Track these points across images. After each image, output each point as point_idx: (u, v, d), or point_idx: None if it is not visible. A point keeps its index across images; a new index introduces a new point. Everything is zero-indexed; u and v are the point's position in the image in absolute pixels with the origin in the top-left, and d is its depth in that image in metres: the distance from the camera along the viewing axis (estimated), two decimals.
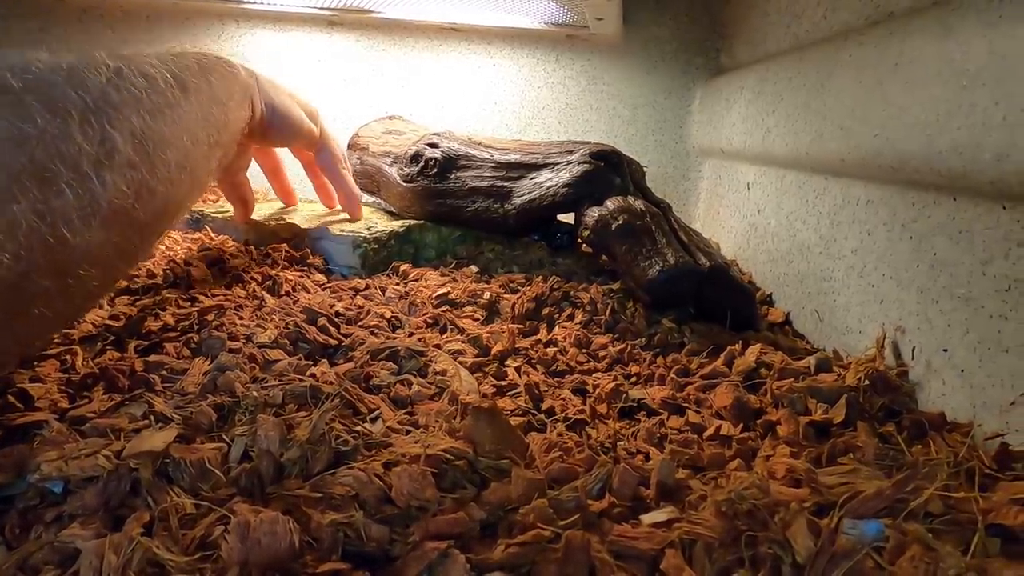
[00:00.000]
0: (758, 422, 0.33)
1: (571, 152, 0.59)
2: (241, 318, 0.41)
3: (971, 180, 0.31)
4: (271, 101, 0.43)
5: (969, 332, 0.32)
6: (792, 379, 0.36)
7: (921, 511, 0.21)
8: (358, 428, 0.28)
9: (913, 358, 0.36)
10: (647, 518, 0.23)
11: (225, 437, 0.27)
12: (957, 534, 0.21)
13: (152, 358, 0.34)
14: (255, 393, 0.30)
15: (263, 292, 0.46)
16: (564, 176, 0.57)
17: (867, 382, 0.34)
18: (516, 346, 0.42)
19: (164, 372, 0.33)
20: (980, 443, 0.29)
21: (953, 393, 0.33)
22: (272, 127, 0.43)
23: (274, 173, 0.62)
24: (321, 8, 0.80)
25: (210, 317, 0.40)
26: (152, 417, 0.28)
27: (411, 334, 0.43)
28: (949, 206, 0.34)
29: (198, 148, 0.30)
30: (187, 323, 0.39)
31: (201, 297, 0.44)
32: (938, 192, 0.35)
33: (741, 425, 0.33)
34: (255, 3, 0.80)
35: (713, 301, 0.47)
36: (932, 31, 0.34)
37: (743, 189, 0.69)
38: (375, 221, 0.62)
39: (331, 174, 0.55)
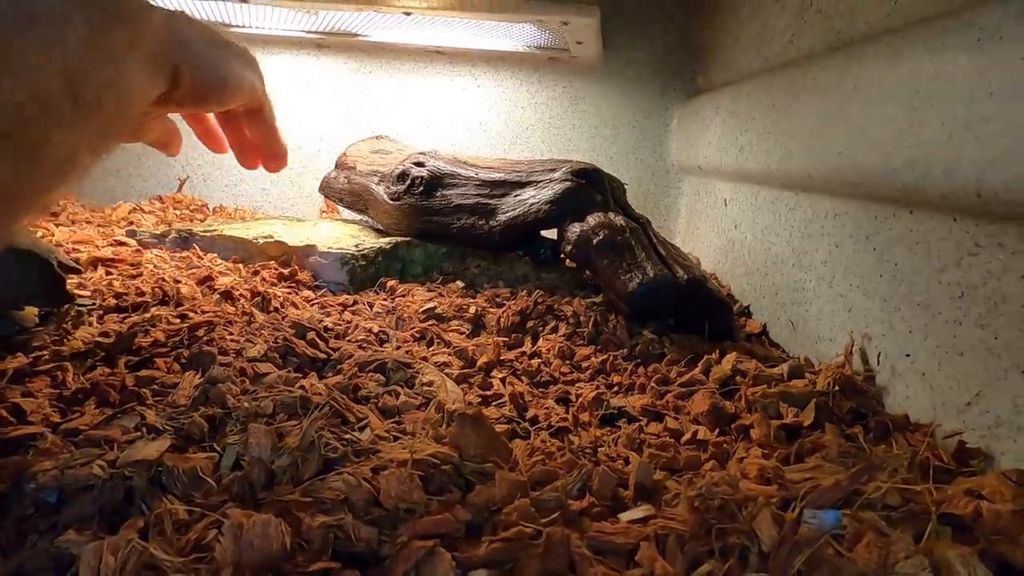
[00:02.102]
0: (733, 426, 0.34)
1: (554, 170, 0.61)
2: (231, 333, 0.42)
3: (924, 194, 0.33)
4: (201, 60, 0.31)
5: (928, 338, 0.34)
6: (765, 385, 0.37)
7: (879, 503, 0.22)
8: (347, 436, 0.29)
9: (879, 364, 0.38)
10: (625, 516, 0.24)
11: (217, 447, 0.28)
12: (912, 524, 0.22)
13: (143, 373, 0.35)
14: (246, 404, 0.31)
15: (252, 308, 0.47)
16: (547, 193, 0.59)
17: (836, 387, 0.36)
18: (501, 358, 0.43)
19: (155, 386, 0.34)
20: (940, 442, 0.31)
21: (916, 396, 0.35)
22: (203, 91, 0.32)
23: (201, 126, 0.44)
24: (309, 32, 0.82)
25: (200, 333, 0.41)
26: (144, 429, 0.29)
27: (398, 347, 0.44)
28: (907, 219, 0.36)
29: (46, 112, 0.22)
30: (177, 339, 0.40)
31: (191, 314, 0.45)
32: (896, 206, 0.37)
33: (717, 430, 0.34)
34: (245, 27, 0.82)
35: (692, 313, 0.49)
36: (885, 56, 0.36)
37: (720, 205, 0.72)
38: (363, 238, 0.64)
39: (269, 131, 0.41)
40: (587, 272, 0.59)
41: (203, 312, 0.45)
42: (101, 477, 0.24)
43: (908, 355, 0.35)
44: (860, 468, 0.22)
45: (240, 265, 0.59)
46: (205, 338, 0.40)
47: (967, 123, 0.29)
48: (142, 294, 0.47)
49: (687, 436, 0.33)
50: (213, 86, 0.32)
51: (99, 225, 0.72)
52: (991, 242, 0.30)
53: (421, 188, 0.64)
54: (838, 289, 0.43)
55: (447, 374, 0.39)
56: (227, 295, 0.49)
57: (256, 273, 0.56)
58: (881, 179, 0.36)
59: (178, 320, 0.43)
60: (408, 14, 0.65)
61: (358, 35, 0.82)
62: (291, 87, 0.94)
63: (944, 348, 0.33)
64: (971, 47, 0.29)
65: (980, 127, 0.28)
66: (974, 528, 0.22)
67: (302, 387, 0.34)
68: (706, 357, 0.42)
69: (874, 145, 0.36)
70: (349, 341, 0.44)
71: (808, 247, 0.48)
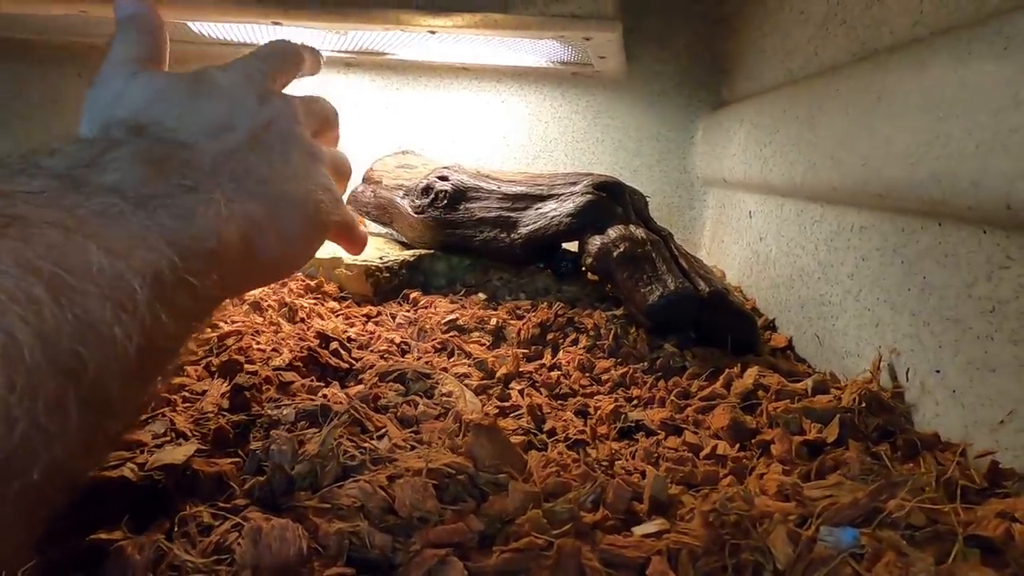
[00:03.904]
0: (753, 442, 0.33)
1: (575, 183, 0.61)
2: (258, 343, 0.43)
3: (951, 206, 0.32)
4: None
5: (959, 353, 0.33)
6: (788, 400, 0.37)
7: (903, 522, 0.22)
8: (365, 444, 0.29)
9: (908, 380, 0.37)
10: (638, 530, 0.24)
11: (241, 452, 0.28)
12: (937, 545, 0.21)
13: (174, 380, 0.36)
14: (270, 411, 0.31)
15: (280, 318, 0.49)
16: (568, 206, 0.59)
17: (862, 403, 0.35)
18: (521, 370, 0.44)
19: (185, 392, 0.35)
20: (972, 461, 0.30)
21: (946, 413, 0.33)
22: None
23: None
24: (339, 51, 0.85)
25: (229, 342, 0.42)
26: (173, 434, 0.30)
27: (419, 358, 0.44)
28: (935, 231, 0.35)
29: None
30: (208, 347, 0.41)
31: (221, 323, 0.46)
32: (924, 218, 0.36)
33: (737, 445, 0.34)
34: None
35: (714, 326, 0.48)
36: (910, 67, 0.36)
37: (745, 217, 0.71)
38: (387, 251, 0.65)
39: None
40: (608, 285, 0.59)
41: (232, 322, 0.46)
42: (131, 479, 0.25)
43: (938, 371, 0.34)
44: (880, 485, 0.22)
45: None
46: (234, 347, 0.42)
47: (995, 133, 0.28)
48: None
49: (706, 451, 0.33)
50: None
51: None
52: (1023, 255, 0.29)
53: (445, 202, 0.65)
54: (865, 303, 0.42)
55: (467, 385, 0.40)
56: (256, 306, 0.51)
57: (284, 284, 0.58)
58: (907, 191, 0.35)
59: (209, 329, 0.45)
60: (433, 32, 0.67)
61: (385, 53, 0.84)
62: None
63: (975, 364, 0.32)
64: (998, 56, 0.28)
65: (1008, 137, 0.27)
66: (1004, 551, 0.21)
67: (324, 396, 0.35)
68: (727, 371, 0.42)
69: (899, 156, 0.36)
70: (372, 351, 0.44)
71: (834, 260, 0.47)
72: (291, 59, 0.33)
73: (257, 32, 0.77)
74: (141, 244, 0.19)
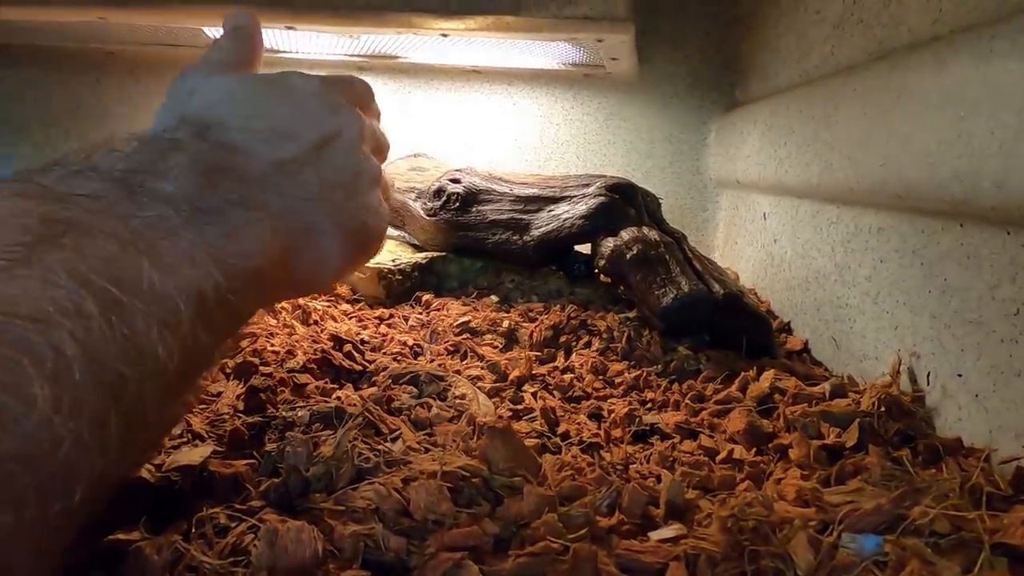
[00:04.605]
0: (770, 446, 0.33)
1: (587, 185, 0.61)
2: (273, 345, 0.43)
3: (974, 207, 0.31)
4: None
5: (982, 357, 0.32)
6: (806, 404, 0.36)
7: (926, 529, 0.21)
8: (380, 447, 0.29)
9: (929, 383, 0.36)
10: (655, 534, 0.24)
11: (256, 454, 0.29)
12: (963, 553, 0.21)
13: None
14: (284, 413, 0.32)
15: (294, 321, 0.49)
16: (581, 208, 0.59)
17: (882, 408, 0.34)
18: (533, 372, 0.44)
19: (201, 395, 0.35)
20: (996, 467, 0.29)
21: (969, 418, 0.33)
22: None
23: None
24: (352, 55, 0.85)
25: (244, 344, 0.43)
26: (189, 435, 0.30)
27: (432, 360, 0.44)
28: (956, 232, 0.35)
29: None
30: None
31: None
32: (945, 219, 0.36)
33: (754, 449, 0.33)
34: (289, 52, 0.86)
35: (729, 329, 0.48)
36: (929, 65, 0.35)
37: (759, 219, 0.70)
38: (399, 253, 0.65)
39: None
40: (621, 287, 0.59)
41: (247, 324, 0.47)
42: (148, 480, 0.25)
43: (960, 375, 0.34)
44: (903, 492, 0.21)
45: None
46: (249, 349, 0.42)
47: (1018, 132, 0.27)
48: None
49: (722, 455, 0.33)
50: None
51: None
52: None
53: (457, 204, 0.65)
54: (884, 306, 0.42)
55: (479, 388, 0.40)
56: (270, 308, 0.51)
57: None
58: (927, 191, 0.35)
59: None
60: (445, 35, 0.67)
61: (397, 57, 0.85)
62: None
63: (999, 368, 0.31)
64: (1022, 53, 0.28)
65: None
66: None
67: (338, 398, 0.35)
68: (743, 374, 0.41)
69: (919, 156, 0.35)
70: (384, 354, 0.45)
71: (851, 262, 0.47)
72: (368, 96, 0.34)
73: (272, 37, 0.78)
74: (188, 262, 0.19)
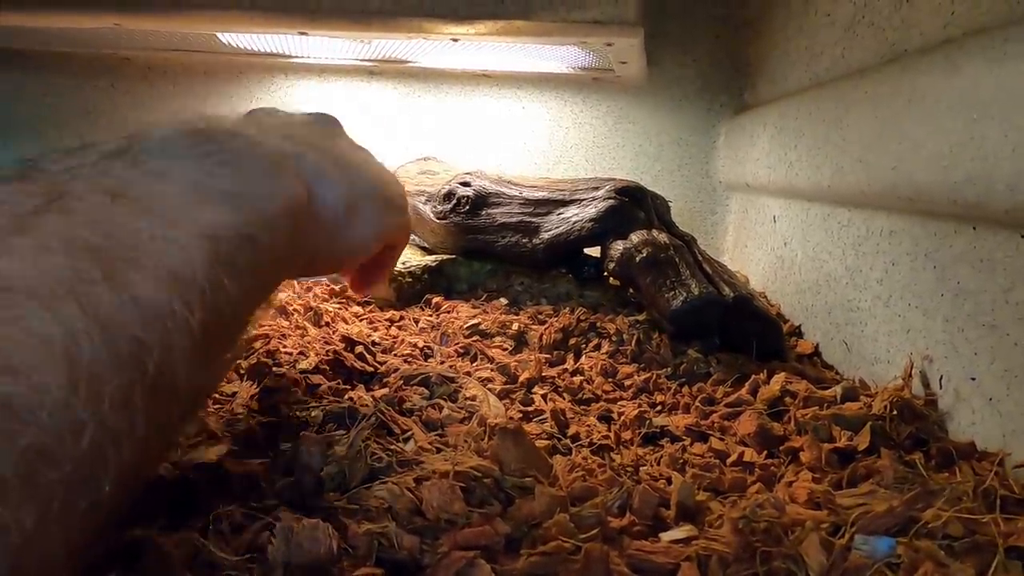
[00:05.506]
0: (781, 449, 0.33)
1: (597, 188, 0.61)
2: (285, 346, 0.44)
3: (987, 210, 0.31)
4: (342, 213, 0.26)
5: (996, 360, 0.32)
6: (817, 407, 0.36)
7: (939, 532, 0.21)
8: (392, 447, 0.29)
9: (941, 387, 0.36)
10: (666, 535, 0.24)
11: (271, 453, 0.29)
12: (976, 556, 0.21)
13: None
14: (298, 413, 0.32)
15: (306, 322, 0.49)
16: (590, 211, 0.59)
17: (894, 411, 0.34)
18: (543, 375, 0.44)
19: (216, 394, 0.36)
20: (1011, 471, 0.29)
21: (983, 422, 0.33)
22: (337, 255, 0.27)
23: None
24: (363, 60, 0.86)
25: (257, 345, 0.43)
26: (205, 434, 0.31)
27: (442, 362, 0.45)
28: (969, 235, 0.35)
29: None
30: (237, 350, 0.42)
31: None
32: (958, 222, 0.36)
33: (765, 452, 0.33)
34: (302, 57, 0.87)
35: (739, 332, 0.48)
36: (941, 68, 0.35)
37: (769, 222, 0.70)
38: (409, 256, 0.66)
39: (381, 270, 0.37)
40: (630, 290, 0.59)
41: (260, 326, 0.47)
42: (166, 477, 0.25)
43: (973, 379, 0.34)
44: (916, 494, 0.21)
45: (294, 282, 0.61)
46: (262, 350, 0.42)
47: None
48: None
49: (733, 457, 0.33)
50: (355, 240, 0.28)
51: None
52: None
53: (467, 207, 0.66)
54: (895, 309, 0.42)
55: (490, 389, 0.40)
56: (282, 310, 0.51)
57: (309, 289, 0.59)
58: (939, 194, 0.35)
59: None
60: (455, 40, 0.68)
61: (408, 62, 0.85)
62: (346, 113, 0.98)
63: (1013, 372, 0.31)
64: None
65: None
66: None
67: (350, 399, 0.35)
68: (754, 377, 0.41)
69: (931, 159, 0.35)
70: (395, 355, 0.45)
71: (862, 265, 0.47)
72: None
73: (285, 42, 0.79)
74: (193, 201, 0.18)
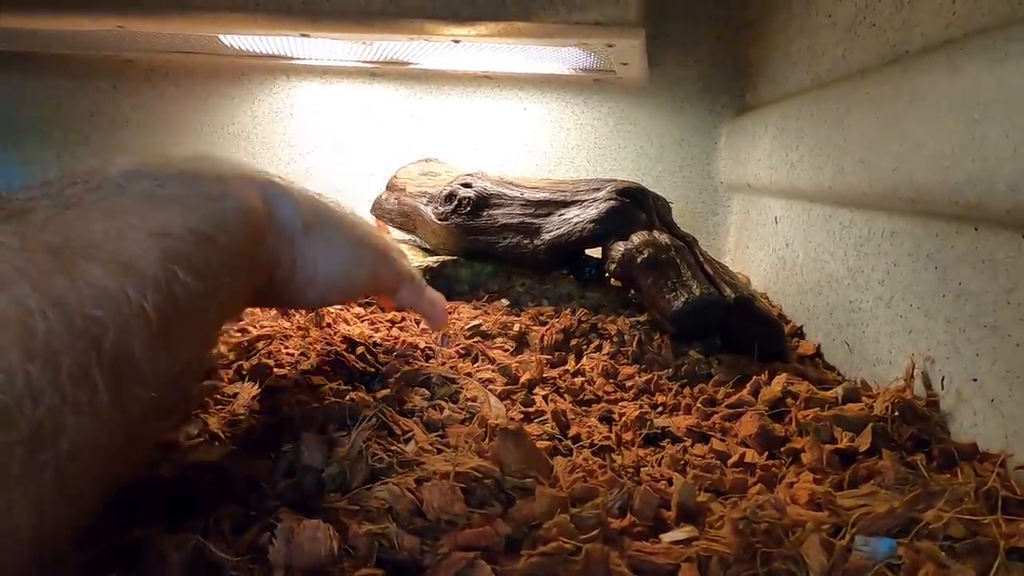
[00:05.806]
0: (782, 450, 0.33)
1: (598, 189, 0.61)
2: (287, 347, 0.44)
3: (988, 211, 0.31)
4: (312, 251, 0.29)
5: (997, 361, 0.32)
6: (818, 408, 0.36)
7: (941, 533, 0.21)
8: (393, 448, 0.29)
9: (943, 388, 0.36)
10: (667, 536, 0.24)
11: (272, 454, 0.29)
12: (977, 557, 0.21)
13: (206, 383, 0.37)
14: (299, 414, 0.32)
15: (307, 323, 0.49)
16: (591, 212, 0.59)
17: (895, 412, 0.34)
18: (544, 376, 0.44)
19: (218, 395, 0.36)
20: (1012, 472, 0.29)
21: (985, 423, 0.32)
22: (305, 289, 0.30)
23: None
24: (365, 61, 0.86)
25: (259, 346, 0.43)
26: (207, 435, 0.31)
27: (444, 363, 0.45)
28: (971, 236, 0.35)
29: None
30: (239, 351, 0.42)
31: (251, 328, 0.47)
32: (959, 222, 0.36)
33: (766, 453, 0.33)
34: (304, 59, 0.87)
35: (740, 332, 0.48)
36: (943, 68, 0.35)
37: (771, 223, 0.70)
38: (411, 257, 0.66)
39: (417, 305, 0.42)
40: (632, 291, 0.59)
41: (262, 327, 0.47)
42: (167, 477, 0.25)
43: (975, 380, 0.33)
44: (917, 495, 0.21)
45: None
46: (264, 351, 0.42)
47: None
48: None
49: (734, 458, 0.33)
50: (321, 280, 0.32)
51: None
52: None
53: (468, 208, 0.66)
54: (897, 310, 0.42)
55: (491, 390, 0.40)
56: (284, 311, 0.51)
57: None
58: (941, 195, 0.35)
59: (239, 334, 0.46)
60: (457, 42, 0.68)
61: (409, 63, 0.85)
62: (348, 114, 0.98)
63: (1015, 372, 0.31)
64: None
65: None
66: None
67: (351, 399, 0.35)
68: (755, 378, 0.41)
69: (933, 160, 0.35)
70: (396, 356, 0.45)
71: (864, 266, 0.47)
72: None
73: (287, 44, 0.79)
74: (147, 207, 0.19)
